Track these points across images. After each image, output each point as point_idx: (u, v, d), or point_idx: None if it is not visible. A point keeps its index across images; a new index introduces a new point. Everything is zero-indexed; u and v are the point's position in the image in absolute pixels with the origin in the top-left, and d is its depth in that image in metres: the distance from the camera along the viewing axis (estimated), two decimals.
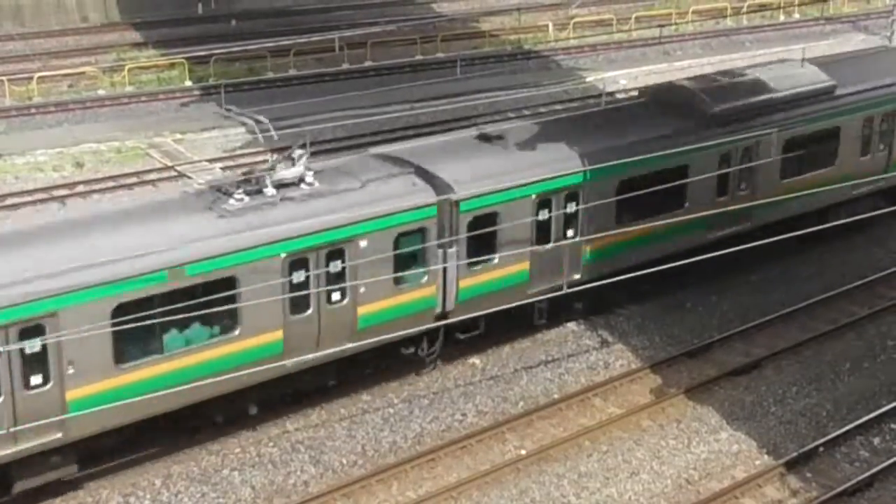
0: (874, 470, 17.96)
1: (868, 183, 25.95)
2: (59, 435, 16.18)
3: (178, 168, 31.33)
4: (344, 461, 18.23)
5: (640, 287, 20.77)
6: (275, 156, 21.24)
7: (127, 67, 39.55)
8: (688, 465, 18.25)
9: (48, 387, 15.94)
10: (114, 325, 16.20)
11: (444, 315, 19.84)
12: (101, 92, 38.49)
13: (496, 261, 20.21)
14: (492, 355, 21.50)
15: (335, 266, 18.23)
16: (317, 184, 18.70)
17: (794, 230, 19.03)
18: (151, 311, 16.45)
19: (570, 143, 21.48)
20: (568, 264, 20.99)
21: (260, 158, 32.06)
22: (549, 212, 20.63)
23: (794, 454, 18.34)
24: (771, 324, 22.92)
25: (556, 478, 17.77)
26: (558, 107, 35.59)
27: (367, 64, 42.10)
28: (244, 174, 19.52)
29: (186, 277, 16.72)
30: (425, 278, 19.36)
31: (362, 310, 18.67)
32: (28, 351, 15.69)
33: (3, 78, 37.79)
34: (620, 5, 52.99)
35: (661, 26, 46.71)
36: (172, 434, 18.05)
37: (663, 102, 24.06)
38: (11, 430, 15.67)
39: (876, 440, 19.01)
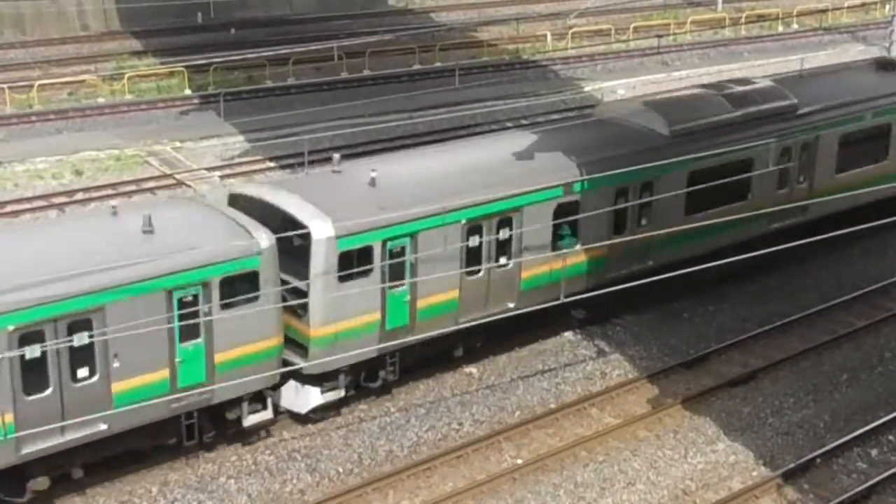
0: (872, 482, 17.95)
1: None
2: None
3: (177, 176, 31.36)
4: (340, 469, 18.22)
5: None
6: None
7: (127, 76, 39.60)
8: (684, 475, 18.23)
9: None
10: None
11: None
12: (100, 100, 38.55)
13: None
14: (488, 365, 21.50)
15: None
16: None
17: None
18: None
19: None
20: None
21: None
22: None
23: (792, 465, 18.33)
24: (768, 334, 22.92)
25: (553, 487, 17.76)
26: (555, 116, 35.69)
27: (366, 73, 42.16)
28: None
29: None
30: None
31: None
32: None
33: (4, 86, 37.84)
34: (619, 15, 53.11)
35: (659, 36, 46.92)
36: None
37: None
38: None
39: (874, 452, 19.00)
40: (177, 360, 16.83)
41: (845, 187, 25.24)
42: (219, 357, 17.19)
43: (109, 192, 30.33)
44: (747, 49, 48.19)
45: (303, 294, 18.22)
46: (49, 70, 41.51)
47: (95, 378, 16.24)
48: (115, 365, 16.27)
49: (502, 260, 20.35)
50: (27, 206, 29.19)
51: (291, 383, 18.78)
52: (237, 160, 32.97)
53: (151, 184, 30.98)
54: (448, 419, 19.67)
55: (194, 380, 17.10)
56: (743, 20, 52.04)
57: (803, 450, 18.92)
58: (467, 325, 19.54)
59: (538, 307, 19.72)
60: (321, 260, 17.99)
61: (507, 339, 21.62)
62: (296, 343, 18.50)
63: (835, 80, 28.59)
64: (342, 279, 18.25)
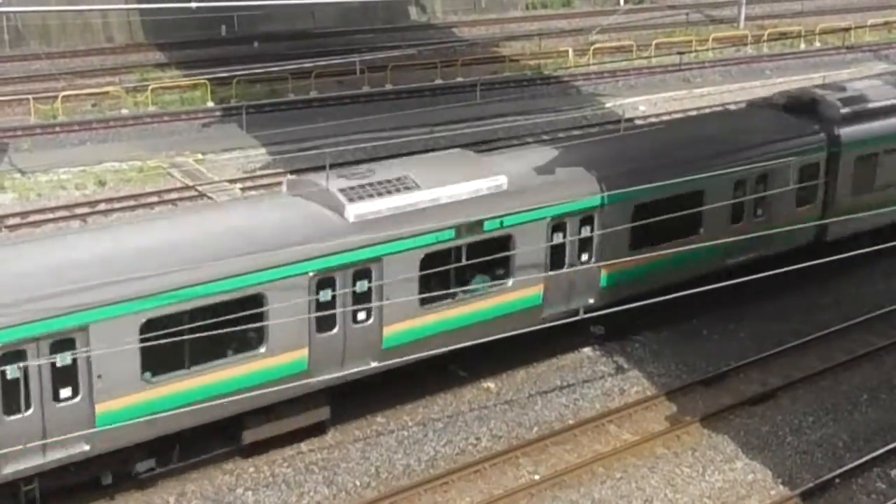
0: (891, 503, 17.83)
1: None
2: None
3: (199, 188, 31.57)
4: (357, 483, 18.25)
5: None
6: None
7: (150, 87, 39.94)
8: (702, 493, 18.17)
9: None
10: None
11: None
12: (124, 111, 38.88)
13: None
14: (507, 379, 21.51)
15: None
16: None
17: None
18: None
19: None
20: None
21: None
22: None
23: (810, 485, 18.24)
24: (787, 353, 22.83)
25: None
26: (577, 132, 35.70)
27: (388, 87, 42.35)
28: None
29: None
30: None
31: None
32: None
33: (29, 96, 38.26)
34: (641, 32, 53.16)
35: (681, 53, 46.89)
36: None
37: None
38: None
39: (893, 472, 18.88)
40: None
41: None
42: None
43: (132, 203, 30.58)
44: (769, 67, 48.10)
45: None
46: (73, 81, 41.92)
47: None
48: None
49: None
50: (50, 216, 29.46)
51: None
52: (259, 173, 33.17)
53: (173, 195, 31.20)
54: (466, 434, 19.68)
55: None
56: (765, 38, 51.97)
57: (822, 469, 18.83)
58: None
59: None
60: None
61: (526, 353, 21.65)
62: None
63: None
64: None
